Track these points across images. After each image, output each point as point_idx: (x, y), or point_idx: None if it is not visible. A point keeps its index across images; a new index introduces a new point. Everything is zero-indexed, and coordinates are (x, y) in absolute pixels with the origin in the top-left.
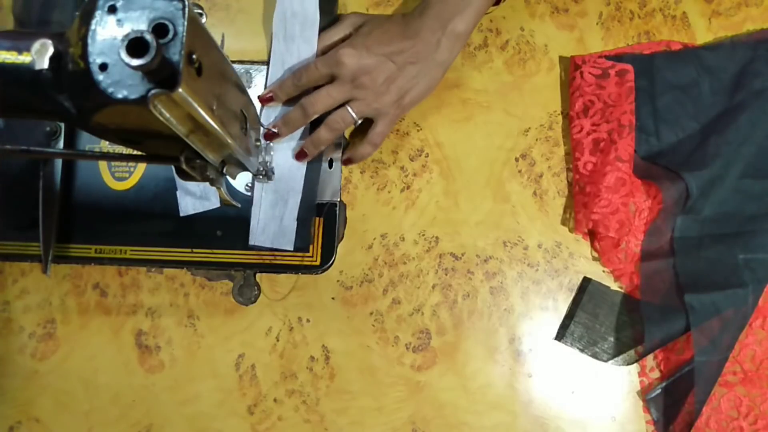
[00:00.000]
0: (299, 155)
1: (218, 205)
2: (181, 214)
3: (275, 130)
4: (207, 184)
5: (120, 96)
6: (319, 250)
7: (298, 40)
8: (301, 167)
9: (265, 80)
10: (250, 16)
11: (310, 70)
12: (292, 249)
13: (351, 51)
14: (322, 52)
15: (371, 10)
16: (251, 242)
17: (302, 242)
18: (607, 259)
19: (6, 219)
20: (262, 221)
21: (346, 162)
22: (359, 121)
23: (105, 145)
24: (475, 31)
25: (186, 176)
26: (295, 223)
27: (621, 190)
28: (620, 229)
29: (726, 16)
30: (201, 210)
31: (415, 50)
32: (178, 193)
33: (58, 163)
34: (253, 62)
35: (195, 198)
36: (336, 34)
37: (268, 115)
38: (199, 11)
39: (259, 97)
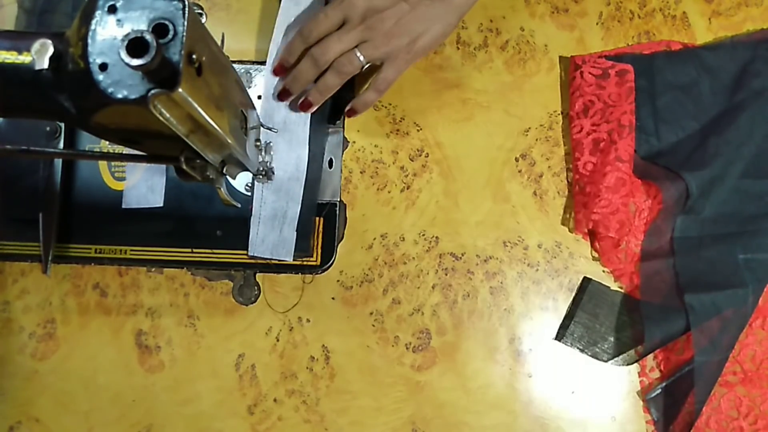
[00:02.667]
0: (304, 105)
1: (161, 204)
2: (123, 207)
3: (287, 88)
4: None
5: (120, 96)
6: (319, 250)
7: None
8: (300, 177)
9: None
10: (250, 16)
11: (319, 20)
12: (291, 260)
13: None
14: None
15: None
16: (250, 253)
17: (302, 253)
18: (607, 259)
19: (6, 219)
20: (261, 232)
21: (350, 113)
22: (366, 65)
23: (105, 145)
24: (476, 31)
25: (186, 176)
26: (295, 234)
27: (621, 190)
28: (620, 229)
29: (726, 16)
30: (145, 206)
31: None
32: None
33: (58, 162)
34: (253, 62)
35: (142, 192)
36: None
37: (269, 114)
38: (199, 11)
39: (273, 71)
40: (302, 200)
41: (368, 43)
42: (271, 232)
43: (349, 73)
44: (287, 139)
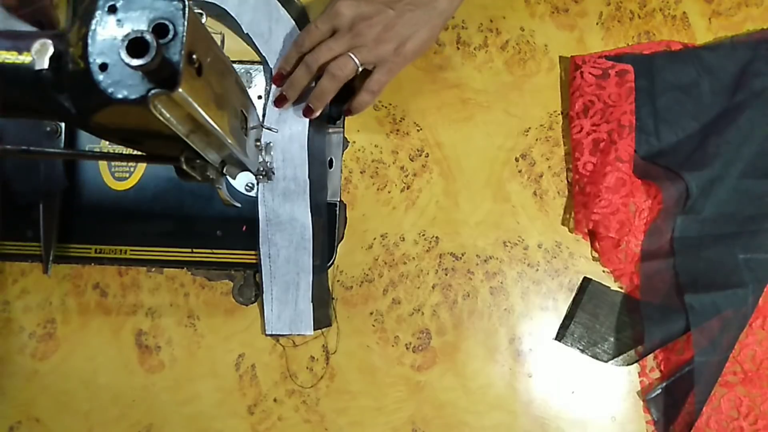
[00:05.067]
0: (306, 111)
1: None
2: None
3: (284, 93)
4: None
5: (120, 96)
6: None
7: (273, 27)
8: (307, 246)
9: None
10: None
11: (311, 31)
12: (311, 333)
13: (348, 2)
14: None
15: None
16: (268, 332)
17: (321, 324)
18: (607, 259)
19: (6, 219)
20: (276, 308)
21: (347, 113)
22: (360, 69)
23: (105, 145)
24: (476, 31)
25: (186, 176)
26: (311, 305)
27: (621, 191)
28: (620, 230)
29: (726, 16)
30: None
31: None
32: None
33: (59, 163)
34: (253, 62)
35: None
36: None
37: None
38: (199, 11)
39: (272, 80)
40: (312, 268)
41: (359, 48)
42: (286, 308)
43: (343, 76)
44: (288, 219)
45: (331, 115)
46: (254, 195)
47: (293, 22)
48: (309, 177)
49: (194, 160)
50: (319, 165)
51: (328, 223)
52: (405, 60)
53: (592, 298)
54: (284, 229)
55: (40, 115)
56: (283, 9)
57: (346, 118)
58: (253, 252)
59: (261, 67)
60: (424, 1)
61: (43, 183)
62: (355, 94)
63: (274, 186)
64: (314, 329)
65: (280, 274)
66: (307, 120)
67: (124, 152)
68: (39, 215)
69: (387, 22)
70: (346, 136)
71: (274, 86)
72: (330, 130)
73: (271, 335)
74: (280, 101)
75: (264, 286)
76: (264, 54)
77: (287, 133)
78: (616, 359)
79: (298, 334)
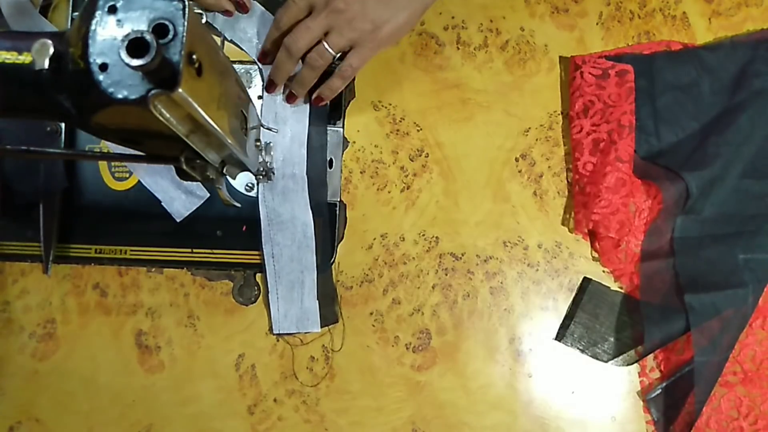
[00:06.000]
0: (289, 97)
1: (207, 195)
2: (178, 220)
3: (272, 79)
4: (188, 184)
5: (120, 96)
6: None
7: (261, 30)
8: (310, 244)
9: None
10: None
11: (289, 7)
12: (319, 330)
13: None
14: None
15: None
16: (275, 331)
17: (328, 320)
18: (607, 259)
19: (6, 219)
20: (282, 307)
21: (317, 101)
22: (337, 56)
23: (105, 145)
24: (476, 31)
25: (186, 176)
26: (317, 302)
27: (621, 191)
28: (620, 230)
29: (726, 16)
30: (194, 207)
31: None
32: (164, 204)
33: (59, 163)
34: (253, 62)
35: (182, 199)
36: None
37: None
38: (199, 11)
39: (258, 58)
40: (317, 266)
41: (334, 31)
42: (292, 306)
43: (320, 66)
44: (290, 225)
45: (330, 114)
46: (254, 195)
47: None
48: (307, 174)
49: (194, 160)
50: (319, 164)
51: (328, 222)
52: (380, 43)
53: (592, 298)
54: (286, 228)
55: (40, 115)
56: (268, 12)
57: (345, 118)
58: (253, 252)
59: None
60: None
61: (43, 183)
62: (350, 85)
63: (273, 185)
64: (321, 326)
65: (285, 273)
66: (307, 120)
67: (124, 152)
68: (39, 215)
69: (365, 1)
70: (346, 136)
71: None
72: (330, 130)
73: (279, 334)
74: (269, 86)
75: (269, 285)
76: (255, 58)
77: (287, 133)
78: (616, 359)
79: (306, 332)
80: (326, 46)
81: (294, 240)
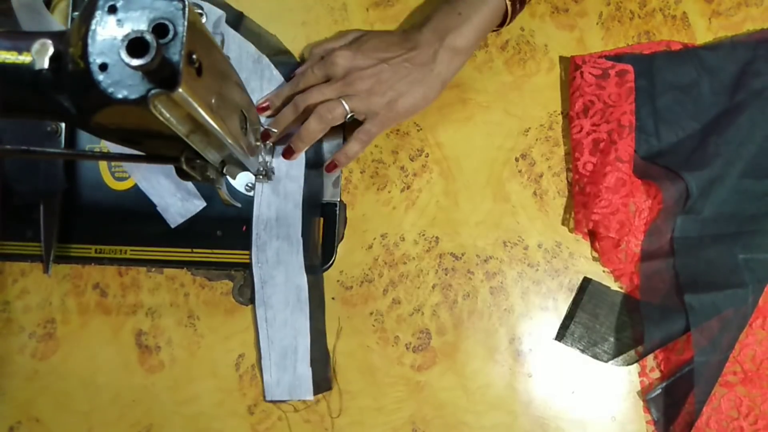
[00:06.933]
0: (286, 152)
1: (204, 204)
2: (173, 226)
3: (272, 129)
4: (187, 186)
5: (120, 96)
6: (319, 250)
7: (264, 86)
8: (303, 308)
9: None
10: (250, 16)
11: (307, 74)
12: (312, 398)
13: (345, 52)
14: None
15: (371, 10)
16: (267, 398)
17: (321, 388)
18: (607, 259)
19: (6, 219)
20: (275, 374)
21: (330, 167)
22: (349, 116)
23: (105, 145)
24: None
25: (186, 176)
26: (310, 369)
27: (621, 191)
28: (620, 230)
29: (726, 16)
30: (190, 215)
31: (410, 56)
32: (159, 209)
33: (59, 163)
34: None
35: (177, 206)
36: (335, 43)
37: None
38: (199, 11)
39: (257, 107)
40: (310, 330)
41: (351, 97)
42: (285, 373)
43: (330, 120)
44: (284, 262)
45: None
46: (254, 195)
47: (284, 81)
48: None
49: (194, 160)
50: (319, 158)
51: (328, 223)
52: (397, 116)
53: (592, 298)
54: (279, 291)
55: (40, 115)
56: (276, 69)
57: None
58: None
59: None
60: (421, 61)
61: (43, 182)
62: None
63: (267, 245)
64: (314, 394)
65: (278, 338)
66: (302, 180)
67: (124, 152)
68: (39, 215)
69: (380, 76)
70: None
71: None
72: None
73: (272, 401)
74: (264, 136)
75: (262, 350)
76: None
77: (280, 191)
78: (616, 359)
79: (299, 400)
80: (343, 102)
81: (288, 304)
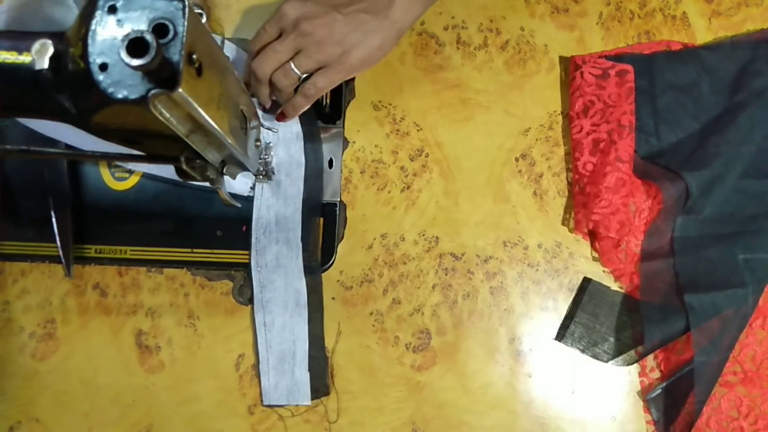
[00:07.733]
0: (279, 116)
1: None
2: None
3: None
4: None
5: (120, 96)
6: (319, 250)
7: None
8: (302, 313)
9: None
10: (250, 17)
11: (260, 34)
12: (309, 403)
13: (294, 2)
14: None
15: None
16: (265, 403)
17: (319, 393)
18: (607, 259)
19: (7, 219)
20: (272, 378)
21: (280, 116)
22: (302, 77)
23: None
24: (475, 31)
25: (186, 176)
26: (308, 374)
27: (621, 191)
28: (620, 230)
29: (726, 16)
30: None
31: (365, 4)
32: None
33: (65, 175)
34: None
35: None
36: None
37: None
38: (199, 11)
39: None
40: (309, 335)
41: (302, 53)
42: (283, 378)
43: (286, 86)
44: (284, 266)
45: (329, 160)
46: (254, 195)
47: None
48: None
49: (194, 160)
50: (318, 164)
51: (328, 223)
52: (350, 68)
53: (592, 298)
54: (278, 295)
55: (40, 115)
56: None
57: (345, 118)
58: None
59: None
60: (376, 8)
61: (51, 194)
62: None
63: (266, 250)
64: (312, 399)
65: (276, 343)
66: (302, 184)
67: (124, 152)
68: (39, 215)
69: (332, 23)
70: (346, 136)
71: None
72: (331, 131)
73: (269, 406)
74: (280, 117)
75: (260, 355)
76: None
77: (281, 195)
78: (616, 359)
79: (296, 405)
80: (292, 65)
81: (287, 308)
